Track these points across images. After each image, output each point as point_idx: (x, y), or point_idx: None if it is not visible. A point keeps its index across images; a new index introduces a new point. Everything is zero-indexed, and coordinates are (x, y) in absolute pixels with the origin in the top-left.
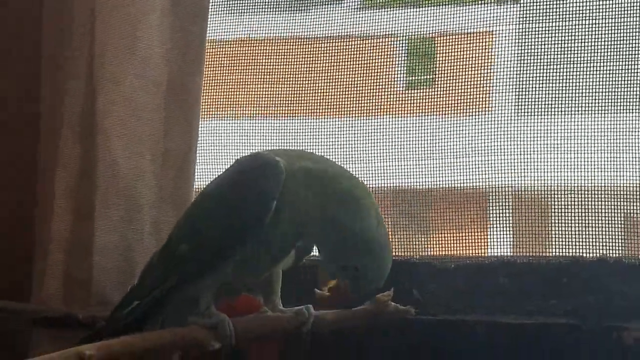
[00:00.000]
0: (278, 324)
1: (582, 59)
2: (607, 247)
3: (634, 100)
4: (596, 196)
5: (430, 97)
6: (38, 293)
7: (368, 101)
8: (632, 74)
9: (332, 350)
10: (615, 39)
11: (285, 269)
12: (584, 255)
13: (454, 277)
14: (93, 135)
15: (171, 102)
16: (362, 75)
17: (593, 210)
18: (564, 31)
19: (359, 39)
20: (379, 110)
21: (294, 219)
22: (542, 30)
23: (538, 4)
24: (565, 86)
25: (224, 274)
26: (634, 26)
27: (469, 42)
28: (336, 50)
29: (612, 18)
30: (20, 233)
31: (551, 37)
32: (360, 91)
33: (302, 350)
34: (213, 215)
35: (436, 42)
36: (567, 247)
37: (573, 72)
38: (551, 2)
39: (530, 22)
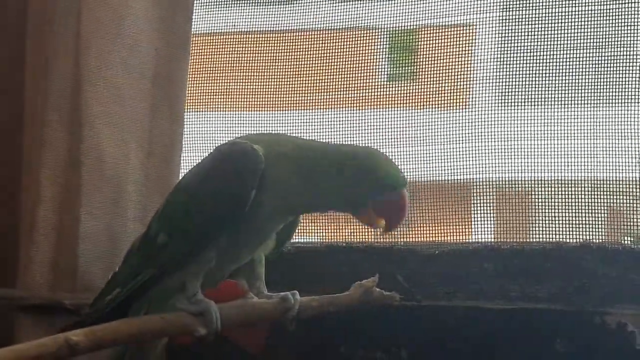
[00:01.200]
0: (264, 310)
1: (562, 52)
2: (589, 237)
3: (616, 93)
4: (577, 188)
5: (412, 89)
6: (24, 279)
7: (350, 93)
8: (614, 67)
9: (317, 336)
10: (597, 31)
11: (268, 254)
12: (567, 241)
13: (439, 263)
14: (79, 123)
15: (157, 91)
16: (344, 67)
17: (574, 203)
18: (545, 23)
19: (341, 31)
20: (361, 103)
21: (277, 204)
22: (523, 23)
23: None
24: (547, 79)
25: (206, 260)
26: (616, 18)
27: (450, 34)
28: (319, 43)
29: (593, 11)
30: (5, 219)
31: (532, 29)
32: (343, 83)
33: (287, 335)
34: (191, 204)
35: (418, 34)
36: (548, 237)
37: (554, 64)
38: None
39: (512, 14)
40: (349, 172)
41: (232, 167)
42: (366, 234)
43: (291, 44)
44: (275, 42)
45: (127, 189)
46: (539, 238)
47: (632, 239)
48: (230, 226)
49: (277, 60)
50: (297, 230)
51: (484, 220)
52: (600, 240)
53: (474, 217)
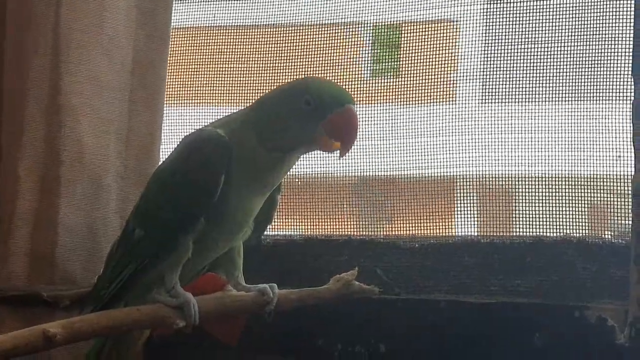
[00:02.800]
0: (242, 303)
1: (545, 47)
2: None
3: (599, 90)
4: (559, 184)
5: (395, 85)
6: (1, 271)
7: None
8: (595, 63)
9: (295, 329)
10: (581, 27)
11: (246, 243)
12: (547, 235)
13: (419, 256)
14: (58, 113)
15: (137, 82)
16: (327, 63)
17: (556, 198)
18: (528, 18)
19: (324, 26)
20: None
21: (249, 182)
22: (507, 18)
23: None
24: (531, 75)
25: (183, 250)
26: (601, 14)
27: (434, 29)
28: (302, 38)
29: (578, 6)
30: None
31: (516, 24)
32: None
33: (265, 328)
34: (162, 196)
35: (402, 30)
36: (529, 232)
37: (538, 61)
38: None
39: (495, 8)
40: (294, 104)
41: (199, 155)
42: (346, 227)
43: (273, 39)
44: (257, 37)
45: (107, 180)
46: (521, 232)
47: (612, 234)
48: (203, 215)
49: (258, 55)
50: (275, 222)
51: (467, 215)
52: (581, 235)
53: (457, 212)
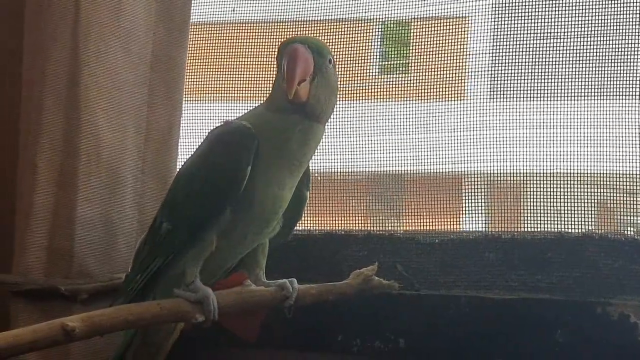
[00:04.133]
0: (262, 298)
1: (556, 44)
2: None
3: (609, 88)
4: (568, 182)
5: (405, 81)
6: (19, 265)
7: (343, 85)
8: (607, 62)
9: (314, 324)
10: (592, 24)
11: (275, 241)
12: (569, 231)
13: (439, 252)
14: (76, 108)
15: (155, 76)
16: (337, 58)
17: (565, 196)
18: (539, 16)
19: (334, 22)
20: (354, 94)
21: (273, 167)
22: (517, 15)
23: None
24: (540, 72)
25: (207, 244)
26: (611, 12)
27: (443, 26)
28: (312, 33)
29: (588, 3)
30: (1, 204)
31: (526, 22)
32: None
33: (285, 323)
34: (189, 189)
35: (412, 26)
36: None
37: (548, 57)
38: None
39: (505, 6)
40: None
41: (224, 147)
42: (366, 222)
43: (284, 34)
44: (269, 32)
45: (124, 174)
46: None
47: (635, 230)
48: (229, 206)
49: (271, 50)
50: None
51: (475, 212)
52: (603, 231)
53: (465, 208)
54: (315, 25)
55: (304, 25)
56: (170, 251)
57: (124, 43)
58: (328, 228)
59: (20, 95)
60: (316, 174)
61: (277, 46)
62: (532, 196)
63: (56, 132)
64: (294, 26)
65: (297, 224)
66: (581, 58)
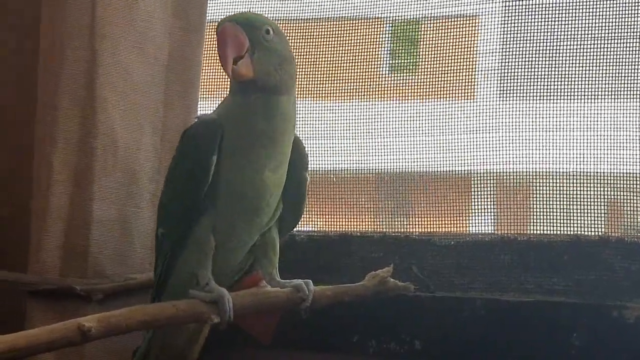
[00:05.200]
0: (277, 300)
1: (565, 44)
2: (588, 231)
3: (624, 88)
4: (577, 182)
5: (414, 80)
6: (35, 264)
7: (352, 84)
8: (617, 61)
9: (330, 326)
10: (602, 24)
11: (284, 229)
12: (585, 233)
13: (454, 254)
14: (92, 108)
15: (171, 76)
16: (346, 57)
17: (575, 196)
18: (549, 15)
19: (343, 21)
20: (362, 93)
21: (251, 149)
22: (526, 14)
23: None
24: (549, 71)
25: (204, 243)
26: (620, 11)
27: (453, 25)
28: (321, 32)
29: (597, 2)
30: (17, 203)
31: (536, 21)
32: (344, 74)
33: (300, 324)
34: (167, 191)
35: (421, 25)
36: (547, 230)
37: (557, 58)
38: None
39: (515, 5)
40: None
41: (190, 142)
42: (374, 221)
43: (292, 32)
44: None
45: (140, 174)
46: (539, 231)
47: None
48: (202, 197)
49: None
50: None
51: (483, 212)
52: (619, 234)
53: (473, 211)
54: (324, 23)
55: (312, 24)
56: (166, 254)
57: (139, 43)
58: (343, 230)
59: (35, 95)
60: (323, 173)
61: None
62: (543, 197)
63: (72, 131)
64: (302, 25)
65: (303, 208)
66: (594, 57)
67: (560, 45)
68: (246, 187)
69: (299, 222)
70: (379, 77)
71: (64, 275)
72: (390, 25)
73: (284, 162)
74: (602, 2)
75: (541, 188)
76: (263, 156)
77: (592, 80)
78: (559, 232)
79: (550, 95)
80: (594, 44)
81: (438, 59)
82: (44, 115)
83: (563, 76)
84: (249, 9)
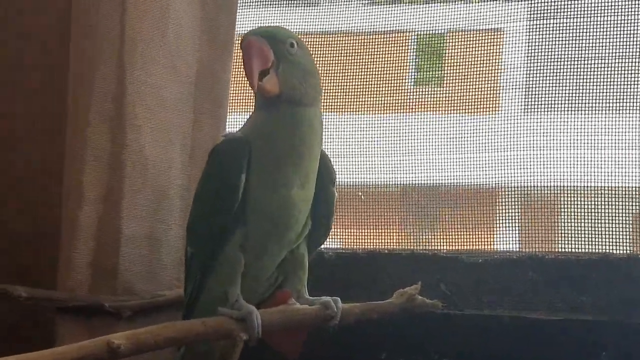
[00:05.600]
0: (306, 317)
1: (590, 57)
2: (614, 247)
3: None
4: (604, 196)
5: (439, 94)
6: (64, 281)
7: (378, 97)
8: None
9: (358, 343)
10: (627, 36)
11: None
12: (614, 252)
13: (482, 271)
14: (122, 125)
15: (200, 93)
16: (372, 71)
17: (601, 210)
18: (573, 29)
19: (367, 35)
20: (388, 107)
21: (279, 165)
22: (551, 28)
23: (547, 1)
24: (575, 85)
25: (234, 261)
26: None
27: (478, 39)
28: (344, 46)
29: (622, 15)
30: (47, 221)
31: (561, 34)
32: (370, 87)
33: (328, 341)
34: (196, 210)
35: (445, 39)
36: (573, 246)
37: (582, 70)
38: (560, 1)
39: (540, 19)
40: None
41: (219, 161)
42: (399, 235)
43: (318, 47)
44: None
45: (170, 191)
46: (562, 247)
47: None
48: (231, 216)
49: None
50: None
51: (509, 228)
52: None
53: (499, 225)
54: (350, 37)
55: (337, 37)
56: (197, 274)
57: (169, 60)
58: (371, 247)
59: (65, 113)
60: (349, 189)
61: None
62: (569, 213)
63: (102, 149)
64: (328, 39)
65: (332, 223)
66: (621, 70)
67: (586, 59)
68: (275, 204)
69: (328, 238)
70: (404, 91)
71: (93, 292)
72: (416, 38)
73: (312, 177)
74: (628, 15)
75: (568, 204)
76: (291, 171)
77: (617, 94)
78: (585, 250)
79: (575, 110)
80: (620, 58)
81: (463, 72)
82: (73, 132)
83: (588, 90)
84: (275, 23)
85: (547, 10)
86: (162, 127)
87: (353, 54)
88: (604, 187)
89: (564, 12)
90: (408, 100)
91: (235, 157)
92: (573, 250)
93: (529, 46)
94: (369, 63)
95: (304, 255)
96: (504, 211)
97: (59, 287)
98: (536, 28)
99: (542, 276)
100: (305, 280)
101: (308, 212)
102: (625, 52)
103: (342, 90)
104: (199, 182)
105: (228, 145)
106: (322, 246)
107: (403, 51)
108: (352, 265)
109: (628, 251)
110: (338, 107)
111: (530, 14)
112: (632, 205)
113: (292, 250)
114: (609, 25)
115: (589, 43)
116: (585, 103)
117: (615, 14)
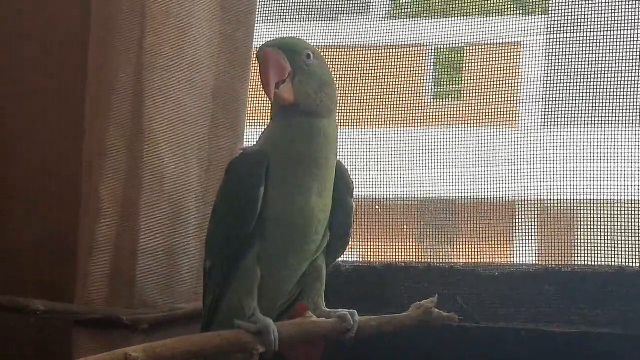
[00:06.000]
0: (323, 329)
1: (609, 70)
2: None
3: None
4: (622, 210)
5: (457, 107)
6: (81, 294)
7: (396, 111)
8: None
9: (374, 356)
10: None
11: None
12: (630, 264)
13: (499, 284)
14: (140, 138)
15: (218, 107)
16: (390, 84)
17: (619, 224)
18: (592, 42)
19: (385, 48)
20: (406, 120)
21: (296, 176)
22: (570, 41)
23: (566, 15)
24: (593, 98)
25: (251, 274)
26: None
27: (496, 53)
28: (362, 60)
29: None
30: (64, 233)
31: (579, 48)
32: (388, 101)
33: (345, 354)
34: (215, 224)
35: (464, 52)
36: (591, 259)
37: (601, 84)
38: (579, 14)
39: (558, 33)
40: None
41: (237, 175)
42: (417, 248)
43: (337, 60)
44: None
45: (187, 205)
46: (580, 260)
47: None
48: (250, 230)
49: None
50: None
51: (526, 242)
52: None
53: (516, 238)
54: (368, 51)
55: (356, 51)
56: (216, 287)
57: (187, 75)
58: (388, 260)
59: (83, 126)
60: (367, 202)
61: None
62: (586, 226)
63: (119, 162)
64: (346, 52)
65: (350, 235)
66: (633, 85)
67: (604, 72)
68: (294, 214)
69: (346, 250)
70: (422, 104)
71: (110, 305)
72: (434, 52)
73: (328, 186)
74: None
75: (586, 217)
76: (309, 180)
77: (635, 108)
78: (602, 263)
79: (594, 123)
80: (636, 70)
81: (481, 86)
82: (91, 146)
83: (606, 103)
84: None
85: (566, 23)
86: (179, 140)
87: (371, 68)
88: (623, 200)
89: (582, 25)
90: (426, 114)
91: (254, 171)
92: (591, 263)
93: (547, 59)
94: (388, 77)
95: (322, 267)
96: (522, 224)
97: (77, 300)
98: (555, 41)
99: (559, 289)
100: (323, 292)
101: (326, 223)
102: None
103: (360, 104)
104: (218, 196)
105: (246, 159)
106: (340, 259)
107: (421, 65)
108: (369, 278)
109: None
110: (356, 120)
111: (549, 27)
112: None
113: (312, 262)
114: (628, 39)
115: (607, 56)
116: (603, 116)
117: (635, 27)
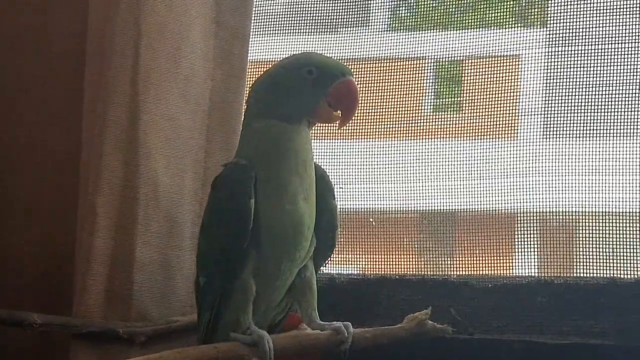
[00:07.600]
0: (317, 341)
1: (608, 83)
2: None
3: None
4: (622, 221)
5: (457, 120)
6: (78, 307)
7: (396, 123)
8: None
9: None
10: None
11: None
12: (622, 276)
13: (492, 296)
14: (135, 153)
15: (213, 122)
16: (390, 97)
17: (619, 235)
18: (591, 55)
19: (385, 61)
20: (405, 132)
21: (284, 180)
22: (569, 54)
23: (565, 28)
24: (592, 111)
25: (246, 287)
26: None
27: (496, 65)
28: (363, 72)
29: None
30: (61, 247)
31: (578, 61)
32: (387, 113)
33: None
34: (207, 240)
35: (463, 65)
36: (590, 271)
37: (599, 96)
38: (578, 27)
39: (558, 45)
40: (297, 73)
41: (225, 190)
42: (417, 260)
43: None
44: None
45: (182, 218)
46: (581, 272)
47: None
48: (246, 244)
49: None
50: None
51: (527, 253)
52: None
53: (517, 250)
54: (367, 63)
55: (355, 63)
56: (213, 303)
57: (182, 89)
58: (382, 272)
59: (80, 141)
60: (364, 213)
61: None
62: (586, 237)
63: (115, 177)
64: (345, 64)
65: (336, 237)
66: (632, 98)
67: (603, 85)
68: (284, 222)
69: (333, 254)
70: (422, 117)
71: (107, 318)
72: (434, 64)
73: (312, 188)
74: None
75: (586, 229)
76: (295, 186)
77: (634, 121)
78: (596, 275)
79: (592, 135)
80: (634, 82)
81: (481, 98)
82: (88, 161)
83: (605, 116)
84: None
85: (565, 36)
86: (175, 155)
87: (371, 80)
88: (623, 212)
89: (581, 38)
90: (426, 126)
91: (242, 184)
92: (592, 275)
93: (546, 72)
94: (387, 89)
95: (312, 278)
96: (521, 236)
97: (74, 313)
98: (554, 54)
99: (552, 300)
100: (315, 304)
101: (313, 228)
102: None
103: (359, 116)
104: (206, 213)
105: (232, 173)
106: (334, 271)
107: (421, 77)
108: (363, 291)
109: (636, 276)
110: (356, 132)
111: (548, 40)
112: None
113: (299, 273)
114: (626, 52)
115: (606, 69)
116: (601, 129)
117: (634, 40)
